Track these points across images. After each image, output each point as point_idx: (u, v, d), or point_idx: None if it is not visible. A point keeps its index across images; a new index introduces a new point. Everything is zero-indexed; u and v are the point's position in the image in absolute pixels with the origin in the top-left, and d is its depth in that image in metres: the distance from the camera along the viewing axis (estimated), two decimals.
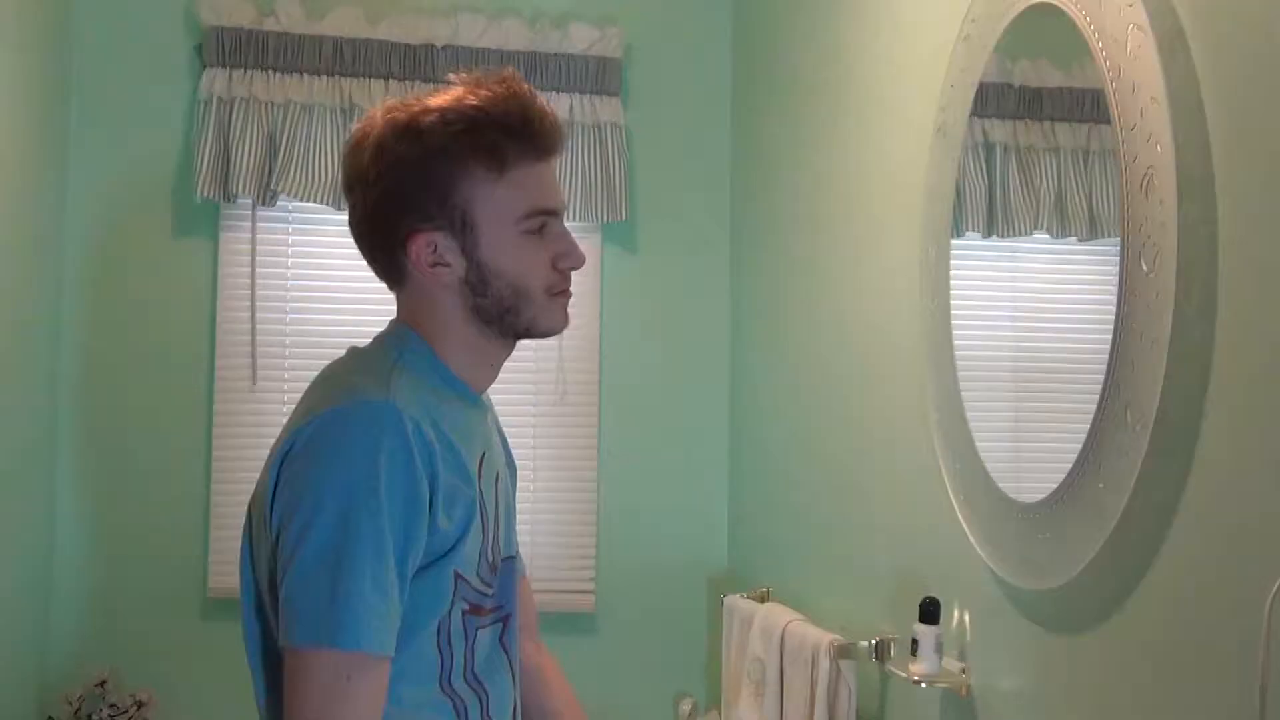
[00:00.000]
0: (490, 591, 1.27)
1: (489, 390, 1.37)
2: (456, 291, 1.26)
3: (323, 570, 1.11)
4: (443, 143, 1.22)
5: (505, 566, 1.31)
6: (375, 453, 1.14)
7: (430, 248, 1.24)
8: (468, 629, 1.24)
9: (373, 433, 1.15)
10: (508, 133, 1.24)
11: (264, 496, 1.19)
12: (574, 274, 1.30)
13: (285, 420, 1.24)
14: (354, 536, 1.12)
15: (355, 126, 1.30)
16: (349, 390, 1.19)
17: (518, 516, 1.41)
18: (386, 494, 1.13)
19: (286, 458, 1.17)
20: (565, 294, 1.30)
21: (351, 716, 1.10)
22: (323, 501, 1.13)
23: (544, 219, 1.27)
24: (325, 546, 1.12)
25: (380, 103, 1.29)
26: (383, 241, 1.27)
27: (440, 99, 1.25)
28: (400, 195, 1.24)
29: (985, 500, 1.63)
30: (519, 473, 1.49)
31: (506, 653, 1.30)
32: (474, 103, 1.24)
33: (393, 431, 1.15)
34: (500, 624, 1.29)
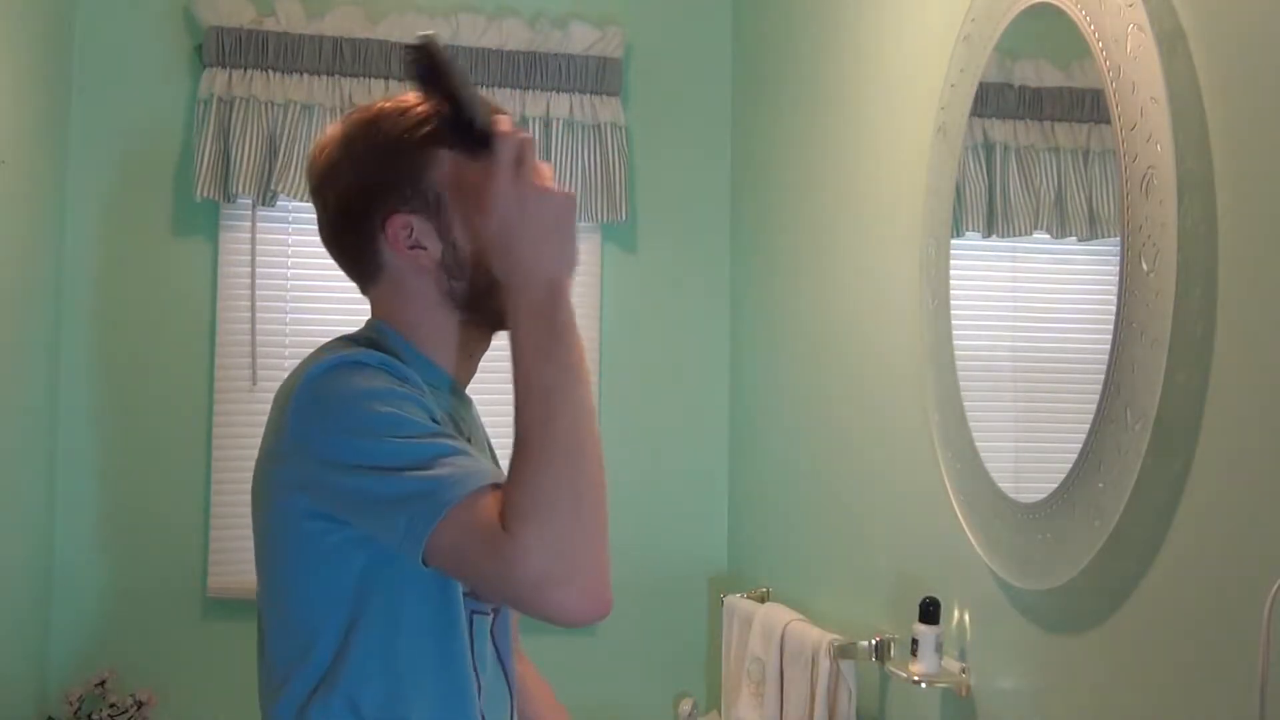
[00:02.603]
0: None
1: (477, 403, 1.38)
2: (433, 277, 1.26)
3: (387, 476, 1.09)
4: (412, 127, 1.24)
5: None
6: (360, 379, 1.15)
7: (407, 230, 1.24)
8: (468, 613, 1.25)
9: (352, 369, 1.16)
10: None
11: (271, 481, 1.19)
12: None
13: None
14: (388, 429, 1.11)
15: (315, 142, 1.31)
16: (329, 353, 1.19)
17: None
18: (388, 392, 1.14)
19: (291, 444, 1.17)
20: None
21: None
22: (342, 439, 1.12)
23: None
24: (372, 459, 1.10)
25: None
26: (358, 232, 1.27)
27: (397, 100, 1.28)
28: (374, 182, 1.24)
29: (985, 500, 1.63)
30: None
31: (498, 648, 1.30)
32: (433, 103, 1.26)
33: (370, 367, 1.16)
34: (493, 615, 1.29)
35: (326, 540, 1.17)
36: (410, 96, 1.27)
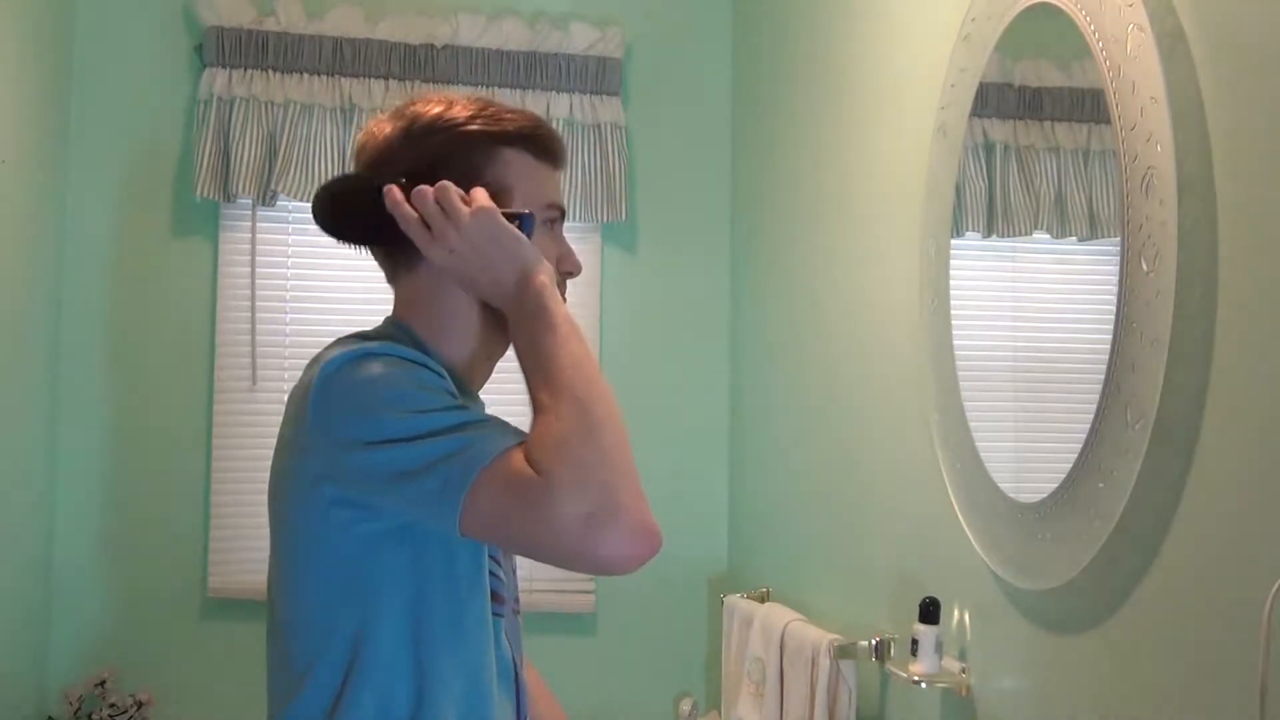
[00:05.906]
0: (501, 577, 1.28)
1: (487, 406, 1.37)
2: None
3: (415, 444, 1.09)
4: (476, 126, 1.25)
5: (507, 562, 1.32)
6: (376, 365, 1.15)
7: None
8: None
9: (367, 359, 1.16)
10: (530, 132, 1.28)
11: (291, 468, 1.19)
12: (571, 275, 1.32)
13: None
14: (410, 404, 1.12)
15: (364, 130, 1.31)
16: (343, 347, 1.19)
17: None
18: (404, 374, 1.15)
19: (312, 435, 1.16)
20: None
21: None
22: (365, 418, 1.12)
23: (558, 215, 1.31)
24: (398, 432, 1.10)
25: (381, 111, 1.31)
26: None
27: (466, 97, 1.30)
28: (431, 170, 1.23)
29: (985, 500, 1.63)
30: None
31: (510, 650, 1.30)
32: (494, 106, 1.29)
33: (384, 355, 1.17)
34: (500, 618, 1.29)
35: (353, 531, 1.16)
36: (475, 100, 1.29)
